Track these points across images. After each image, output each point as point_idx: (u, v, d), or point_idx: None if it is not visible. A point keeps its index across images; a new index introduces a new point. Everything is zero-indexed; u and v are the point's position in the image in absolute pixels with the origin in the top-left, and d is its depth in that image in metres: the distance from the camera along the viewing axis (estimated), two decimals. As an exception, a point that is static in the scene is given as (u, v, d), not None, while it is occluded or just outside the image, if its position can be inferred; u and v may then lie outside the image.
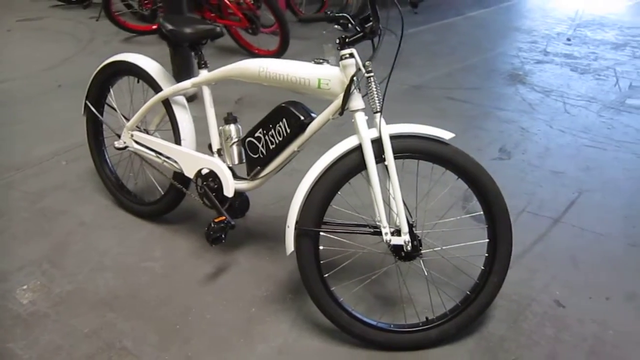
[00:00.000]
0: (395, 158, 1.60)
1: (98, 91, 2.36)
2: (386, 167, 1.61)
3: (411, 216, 1.71)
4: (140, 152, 2.27)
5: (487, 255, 1.71)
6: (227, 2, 4.52)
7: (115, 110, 2.36)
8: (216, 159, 2.03)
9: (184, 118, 2.14)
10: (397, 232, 1.64)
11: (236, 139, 1.98)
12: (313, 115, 1.77)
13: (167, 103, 2.14)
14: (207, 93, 2.03)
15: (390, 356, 1.70)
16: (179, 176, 2.15)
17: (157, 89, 2.14)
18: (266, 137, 1.84)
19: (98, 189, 2.59)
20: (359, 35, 1.58)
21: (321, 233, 1.67)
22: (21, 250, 2.19)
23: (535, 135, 3.20)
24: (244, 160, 1.97)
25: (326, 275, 1.72)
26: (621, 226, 2.33)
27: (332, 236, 1.84)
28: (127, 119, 2.29)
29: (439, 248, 1.89)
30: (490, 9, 6.84)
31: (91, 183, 2.66)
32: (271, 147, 1.84)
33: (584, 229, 2.31)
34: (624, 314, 1.86)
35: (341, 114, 1.65)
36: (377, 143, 1.59)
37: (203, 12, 4.65)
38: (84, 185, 2.66)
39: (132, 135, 2.27)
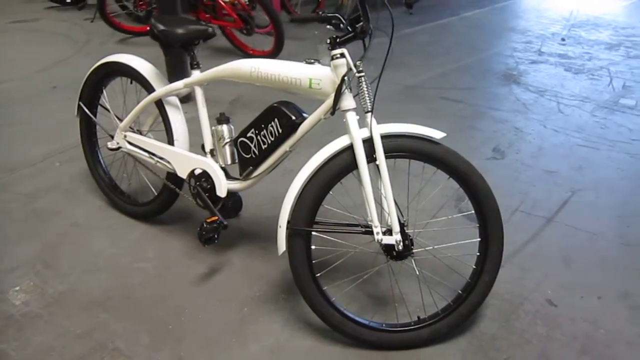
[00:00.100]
0: (386, 157, 1.60)
1: (91, 92, 2.36)
2: (377, 166, 1.61)
3: (403, 215, 1.71)
4: (133, 153, 2.27)
5: (478, 254, 1.72)
6: (222, 3, 4.51)
7: (109, 111, 2.36)
8: (209, 159, 2.03)
9: (176, 119, 2.14)
10: (389, 232, 1.65)
11: (229, 139, 1.98)
12: (305, 115, 1.78)
13: (160, 104, 2.14)
14: (199, 93, 2.03)
15: (382, 355, 1.70)
16: (172, 177, 2.15)
17: (149, 89, 2.14)
18: (258, 137, 1.85)
19: (92, 190, 2.59)
20: (349, 36, 1.59)
21: (313, 233, 1.68)
22: (14, 251, 2.19)
23: (529, 135, 3.22)
24: (237, 161, 1.97)
25: (318, 274, 1.72)
26: (614, 225, 2.34)
27: (324, 236, 1.84)
28: (121, 120, 2.29)
29: (431, 247, 1.90)
30: (485, 9, 6.85)
31: (85, 184, 2.66)
32: (263, 147, 1.85)
33: (577, 229, 2.32)
34: (615, 313, 1.86)
35: (332, 113, 1.65)
36: (369, 143, 1.60)
37: (198, 13, 4.65)
38: (77, 186, 2.66)
39: (125, 136, 2.27)
